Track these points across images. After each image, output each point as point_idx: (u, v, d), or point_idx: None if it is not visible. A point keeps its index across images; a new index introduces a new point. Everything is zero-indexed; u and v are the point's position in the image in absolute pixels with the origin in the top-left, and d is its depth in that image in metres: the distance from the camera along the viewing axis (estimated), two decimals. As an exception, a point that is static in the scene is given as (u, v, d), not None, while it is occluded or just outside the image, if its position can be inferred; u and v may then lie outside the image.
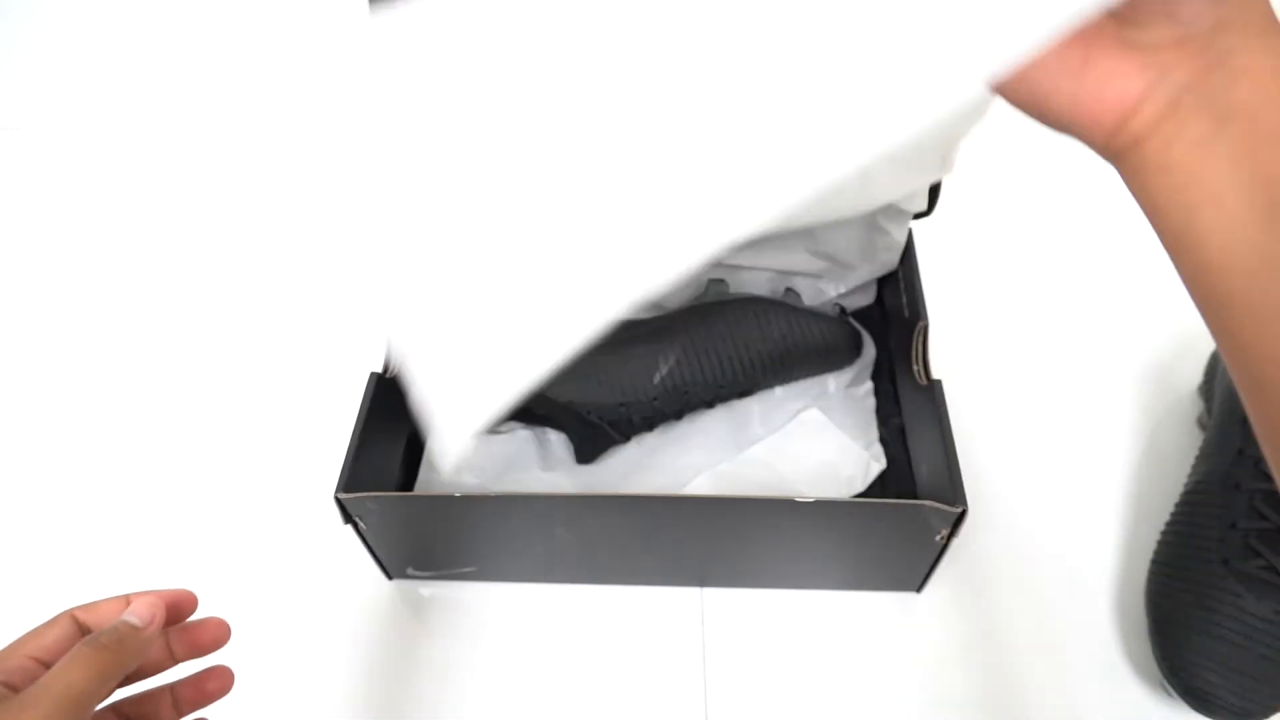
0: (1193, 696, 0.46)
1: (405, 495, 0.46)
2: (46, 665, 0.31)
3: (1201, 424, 0.61)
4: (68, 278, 0.73)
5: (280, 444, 0.61)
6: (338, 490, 0.46)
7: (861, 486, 0.57)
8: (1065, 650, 0.52)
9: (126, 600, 0.34)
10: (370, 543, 0.50)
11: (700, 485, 0.57)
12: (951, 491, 0.45)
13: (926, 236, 0.60)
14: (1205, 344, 0.62)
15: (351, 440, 0.48)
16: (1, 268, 0.74)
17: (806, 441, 0.59)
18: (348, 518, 0.47)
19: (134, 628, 0.31)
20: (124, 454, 0.62)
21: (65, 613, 0.33)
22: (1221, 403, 0.57)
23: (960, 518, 0.45)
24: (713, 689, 0.51)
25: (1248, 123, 0.25)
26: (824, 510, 0.47)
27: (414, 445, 0.58)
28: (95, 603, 0.34)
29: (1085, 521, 0.57)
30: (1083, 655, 0.52)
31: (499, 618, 0.54)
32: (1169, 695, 0.48)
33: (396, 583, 0.55)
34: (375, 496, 0.45)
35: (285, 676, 0.52)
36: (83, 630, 0.33)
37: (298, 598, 0.54)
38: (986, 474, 0.57)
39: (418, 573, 0.54)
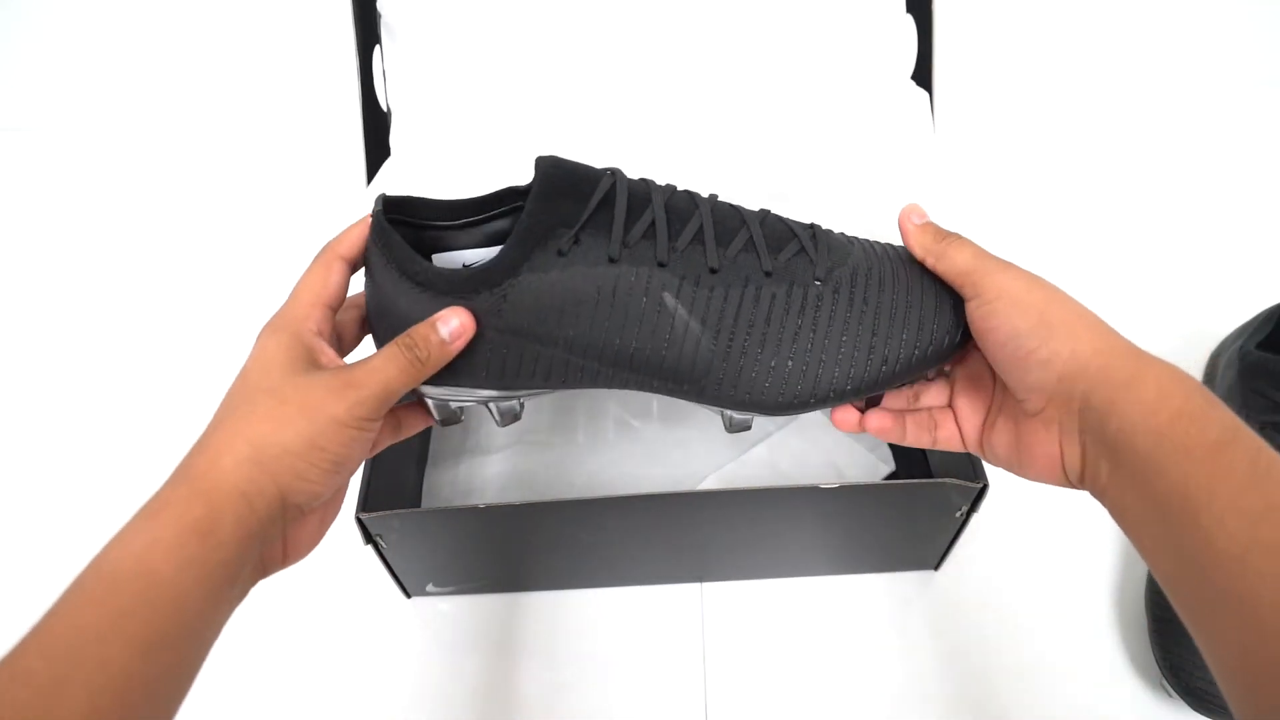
0: (1193, 696, 0.47)
1: (430, 510, 0.47)
2: (332, 309, 0.35)
3: (1201, 424, 0.62)
4: (68, 278, 0.74)
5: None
6: (358, 510, 0.46)
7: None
8: (1065, 652, 0.53)
9: (368, 221, 0.36)
10: (390, 561, 0.51)
11: (709, 485, 0.58)
12: (971, 468, 0.48)
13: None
14: (1205, 344, 0.63)
15: (369, 463, 0.48)
16: (2, 268, 0.75)
17: (811, 441, 0.60)
18: (368, 538, 0.48)
19: (444, 342, 0.34)
20: (129, 464, 0.62)
21: (330, 253, 0.36)
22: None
23: (981, 493, 0.48)
24: (732, 681, 0.52)
25: (1129, 454, 0.29)
26: (848, 496, 0.48)
27: (424, 461, 0.59)
28: (345, 231, 0.36)
29: (1084, 522, 0.57)
30: (1083, 656, 0.53)
31: (514, 628, 0.55)
32: (1169, 695, 0.49)
33: (415, 600, 0.56)
34: (398, 514, 0.46)
35: (309, 702, 0.53)
36: (350, 265, 0.36)
37: (319, 620, 0.55)
38: (988, 472, 0.58)
39: (437, 589, 0.55)
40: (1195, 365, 0.63)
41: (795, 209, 0.39)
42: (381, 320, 0.36)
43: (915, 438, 0.38)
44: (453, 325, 0.34)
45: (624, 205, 0.34)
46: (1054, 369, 0.31)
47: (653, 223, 0.35)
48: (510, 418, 0.38)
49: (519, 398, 0.37)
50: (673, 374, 0.35)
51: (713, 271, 0.35)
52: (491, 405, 0.37)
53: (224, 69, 0.86)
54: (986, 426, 0.36)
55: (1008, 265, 0.33)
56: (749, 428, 0.37)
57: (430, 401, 0.37)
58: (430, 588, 0.55)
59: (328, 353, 0.34)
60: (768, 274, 0.35)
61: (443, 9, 0.55)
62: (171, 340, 0.69)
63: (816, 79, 0.55)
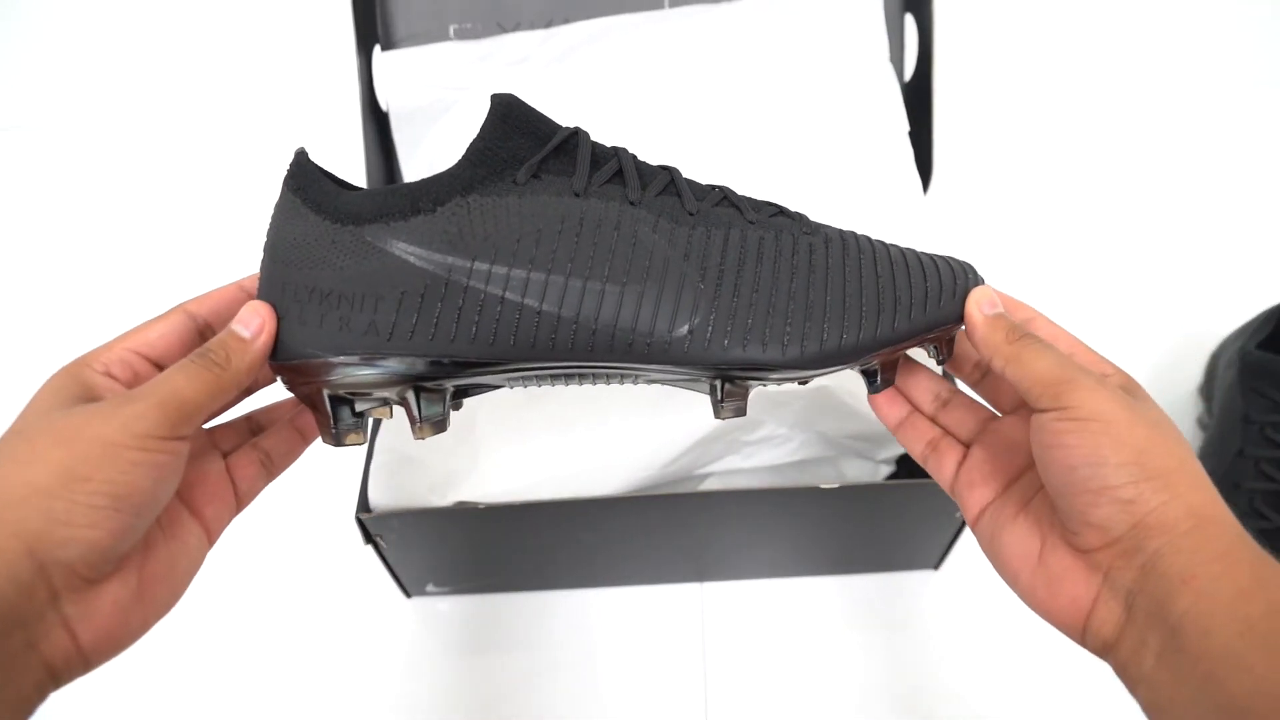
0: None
1: (430, 510, 0.47)
2: (150, 360, 0.29)
3: (1201, 424, 0.62)
4: (68, 278, 0.74)
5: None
6: (358, 510, 0.46)
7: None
8: (1065, 651, 0.53)
9: (240, 287, 0.32)
10: (390, 561, 0.51)
11: (709, 485, 0.58)
12: None
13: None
14: (1205, 345, 0.63)
15: (367, 458, 0.48)
16: (1, 267, 0.75)
17: (811, 440, 0.60)
18: (368, 538, 0.48)
19: (241, 339, 0.29)
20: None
21: (177, 306, 0.31)
22: (1221, 403, 0.57)
23: None
24: (732, 681, 0.52)
25: (1201, 639, 0.24)
26: (848, 496, 0.48)
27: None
28: (208, 293, 0.32)
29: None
30: (1082, 655, 0.53)
31: (514, 628, 0.55)
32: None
33: (415, 600, 0.56)
34: (398, 514, 0.46)
35: (309, 702, 0.53)
36: (196, 324, 0.31)
37: (319, 620, 0.55)
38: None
39: (437, 589, 0.55)
40: (1195, 365, 0.63)
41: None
42: (288, 268, 0.30)
43: (908, 443, 0.36)
44: (253, 323, 0.29)
45: (588, 151, 0.31)
46: (1133, 514, 0.26)
47: (620, 171, 0.31)
48: (434, 423, 0.31)
49: (447, 384, 0.31)
50: (650, 328, 0.29)
51: (691, 215, 0.31)
52: (411, 398, 0.30)
53: (224, 68, 0.86)
54: (995, 514, 0.31)
55: (1101, 381, 0.28)
56: (744, 412, 0.32)
57: (328, 404, 0.31)
58: (430, 588, 0.55)
59: (116, 391, 0.28)
60: (751, 223, 0.32)
61: (447, 106, 0.56)
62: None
63: (807, 138, 0.55)
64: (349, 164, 0.59)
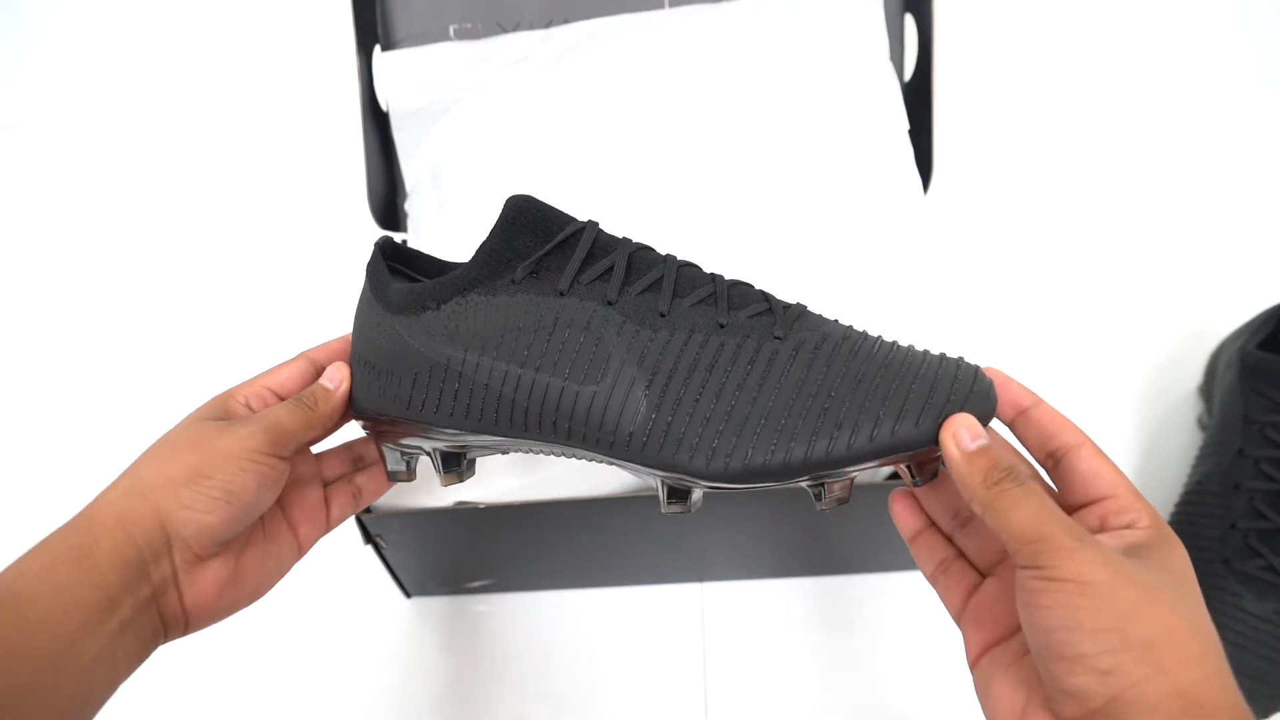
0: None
1: (430, 510, 0.47)
2: (277, 395, 0.37)
3: (1201, 424, 0.62)
4: (68, 278, 0.74)
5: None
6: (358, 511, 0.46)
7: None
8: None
9: (346, 340, 0.39)
10: (390, 562, 0.51)
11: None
12: None
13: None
14: (1205, 345, 0.63)
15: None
16: (1, 267, 0.75)
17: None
18: (368, 538, 0.48)
19: (326, 390, 0.37)
20: (127, 462, 0.63)
21: (302, 353, 0.39)
22: (1221, 403, 0.57)
23: None
24: (732, 681, 0.52)
25: None
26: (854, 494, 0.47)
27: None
28: (325, 343, 0.39)
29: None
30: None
31: (514, 628, 0.55)
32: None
33: (415, 600, 0.56)
34: (398, 514, 0.46)
35: (309, 702, 0.53)
36: (316, 368, 0.38)
37: (319, 620, 0.55)
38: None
39: (437, 589, 0.55)
40: (1195, 365, 0.63)
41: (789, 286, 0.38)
42: (357, 342, 0.37)
43: (920, 559, 0.34)
44: (334, 376, 0.37)
45: (586, 246, 0.33)
46: (1109, 687, 0.24)
47: (611, 267, 0.33)
48: (455, 475, 0.38)
49: (467, 450, 0.37)
50: (599, 424, 0.32)
51: (661, 315, 0.32)
52: (437, 455, 0.37)
53: (224, 68, 0.86)
54: (994, 659, 0.30)
55: (1090, 542, 0.25)
56: (689, 509, 0.33)
57: (386, 454, 0.39)
58: (430, 588, 0.55)
59: (245, 414, 0.36)
60: (721, 326, 0.32)
61: (447, 106, 0.56)
62: (170, 339, 0.69)
63: (807, 138, 0.55)
64: (349, 164, 0.59)
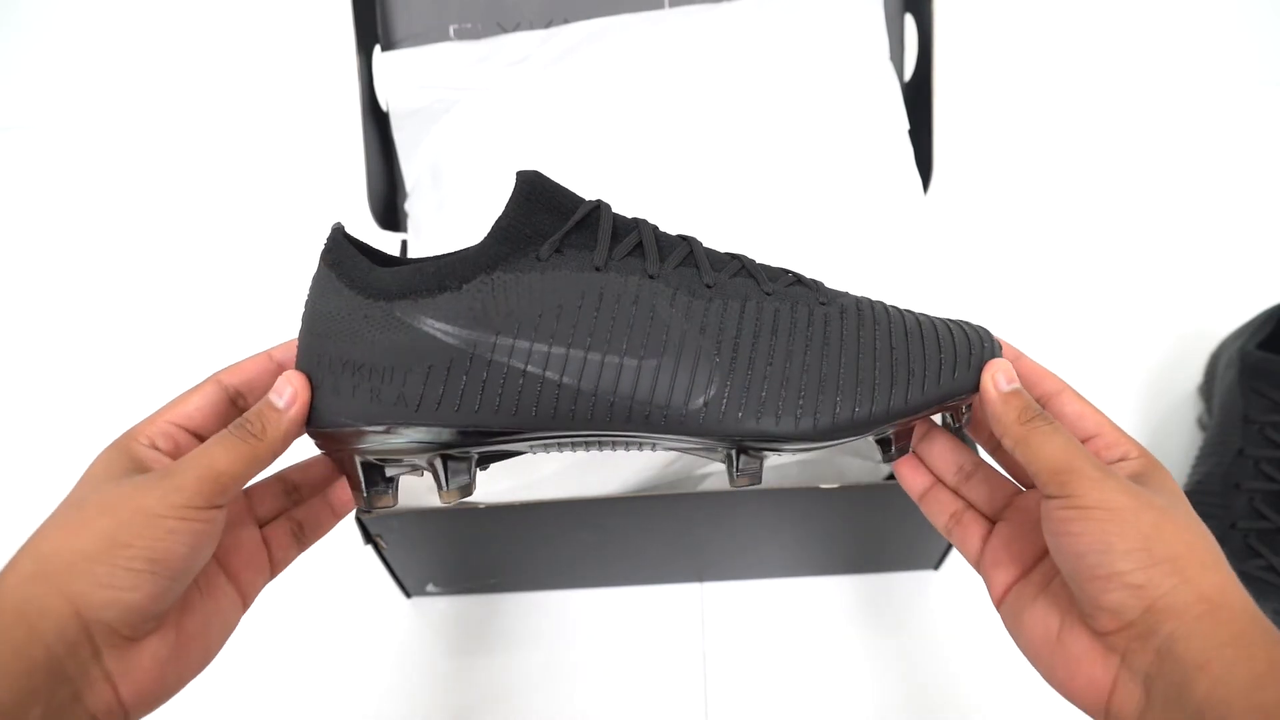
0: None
1: (430, 510, 0.47)
2: (189, 431, 0.31)
3: (1201, 424, 0.62)
4: (68, 278, 0.74)
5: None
6: (358, 510, 0.46)
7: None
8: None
9: (269, 357, 0.33)
10: (390, 561, 0.51)
11: (709, 485, 0.58)
12: None
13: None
14: (1205, 345, 0.63)
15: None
16: (1, 267, 0.75)
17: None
18: (368, 538, 0.48)
19: (275, 409, 0.30)
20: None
21: (210, 377, 0.32)
22: (1221, 403, 0.57)
23: None
24: (732, 681, 0.52)
25: None
26: (848, 496, 0.48)
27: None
28: (239, 363, 0.33)
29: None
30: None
31: (514, 628, 0.55)
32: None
33: (415, 600, 0.56)
34: (398, 514, 0.46)
35: (309, 702, 0.53)
36: (229, 394, 0.32)
37: (319, 620, 0.55)
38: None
39: (437, 589, 0.55)
40: (1195, 365, 0.63)
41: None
42: (326, 341, 0.31)
43: (932, 514, 0.35)
44: (286, 393, 0.30)
45: (609, 225, 0.32)
46: (1143, 599, 0.26)
47: (640, 243, 0.32)
48: (460, 488, 0.32)
49: (473, 451, 0.32)
50: (666, 399, 0.30)
51: (708, 287, 0.32)
52: (439, 465, 0.32)
53: (224, 68, 0.86)
54: (1019, 594, 0.31)
55: (1109, 472, 0.28)
56: (759, 480, 0.33)
57: (360, 469, 0.32)
58: (430, 588, 0.55)
59: (161, 462, 0.30)
60: (767, 294, 0.32)
61: (447, 106, 0.56)
62: (170, 340, 0.69)
63: (807, 138, 0.55)
64: (349, 164, 0.59)
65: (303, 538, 0.35)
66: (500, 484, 0.48)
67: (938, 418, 0.34)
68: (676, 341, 0.31)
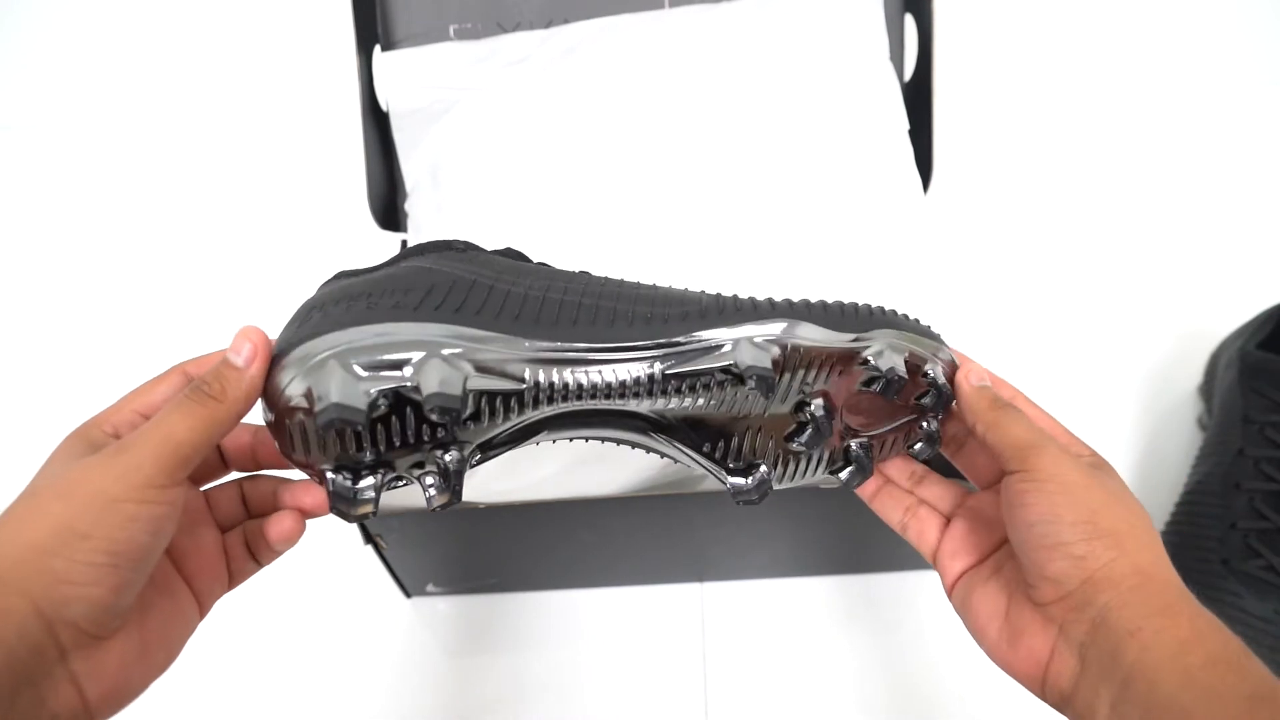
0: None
1: (431, 510, 0.47)
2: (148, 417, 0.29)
3: (1201, 424, 0.62)
4: (68, 277, 0.74)
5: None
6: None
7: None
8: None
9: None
10: (390, 561, 0.51)
11: (712, 484, 0.58)
12: None
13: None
14: (1205, 345, 0.63)
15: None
16: (0, 267, 0.75)
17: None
18: (368, 538, 0.48)
19: (235, 367, 0.28)
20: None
21: (174, 367, 0.31)
22: (1221, 403, 0.57)
23: None
24: (732, 681, 0.52)
25: (1147, 691, 0.26)
26: (848, 496, 0.47)
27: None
28: (205, 355, 0.32)
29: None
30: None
31: (514, 628, 0.55)
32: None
33: (415, 600, 0.56)
34: (398, 514, 0.46)
35: (309, 702, 0.53)
36: (189, 377, 0.31)
37: (319, 620, 0.55)
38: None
39: (437, 589, 0.55)
40: (1195, 365, 0.63)
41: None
42: (315, 303, 0.31)
43: (885, 512, 0.37)
44: (244, 349, 0.28)
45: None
46: (1083, 570, 0.28)
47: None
48: (445, 496, 0.30)
49: (483, 389, 0.28)
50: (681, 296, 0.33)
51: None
52: (428, 475, 0.30)
53: (223, 68, 0.86)
54: (971, 578, 0.34)
55: (1069, 453, 0.31)
56: (768, 491, 0.35)
57: (330, 481, 0.28)
58: (430, 588, 0.55)
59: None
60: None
61: (447, 106, 0.56)
62: (170, 340, 0.69)
63: (807, 138, 0.55)
64: (349, 164, 0.59)
65: (261, 554, 0.33)
66: (500, 484, 0.48)
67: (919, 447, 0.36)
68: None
